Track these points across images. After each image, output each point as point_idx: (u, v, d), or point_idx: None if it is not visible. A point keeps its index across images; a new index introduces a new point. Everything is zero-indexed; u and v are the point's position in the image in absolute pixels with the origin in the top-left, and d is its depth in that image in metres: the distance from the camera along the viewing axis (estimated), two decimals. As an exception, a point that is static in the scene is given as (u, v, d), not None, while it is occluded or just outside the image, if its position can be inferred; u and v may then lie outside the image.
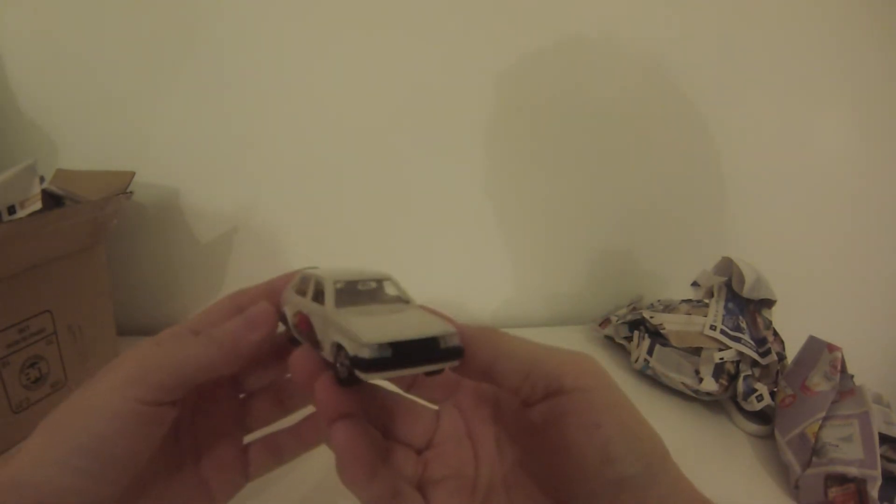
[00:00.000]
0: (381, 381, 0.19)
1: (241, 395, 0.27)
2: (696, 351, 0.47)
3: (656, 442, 0.19)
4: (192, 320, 0.24)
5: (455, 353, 0.19)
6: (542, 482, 0.22)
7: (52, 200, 0.43)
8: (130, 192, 0.46)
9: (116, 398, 0.20)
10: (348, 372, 0.18)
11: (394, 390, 0.26)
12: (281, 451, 0.26)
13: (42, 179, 0.42)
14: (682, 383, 0.47)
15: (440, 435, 0.25)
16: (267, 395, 0.27)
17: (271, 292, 0.25)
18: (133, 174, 0.47)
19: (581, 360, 0.20)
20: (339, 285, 0.21)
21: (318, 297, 0.21)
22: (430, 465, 0.24)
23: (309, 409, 0.27)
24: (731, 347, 0.46)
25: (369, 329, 0.17)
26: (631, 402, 0.20)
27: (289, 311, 0.24)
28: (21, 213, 0.39)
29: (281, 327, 0.24)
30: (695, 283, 0.53)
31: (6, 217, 0.38)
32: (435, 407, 0.26)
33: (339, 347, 0.18)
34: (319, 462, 0.26)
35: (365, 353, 0.17)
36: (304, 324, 0.21)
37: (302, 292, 0.23)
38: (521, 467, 0.23)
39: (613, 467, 0.18)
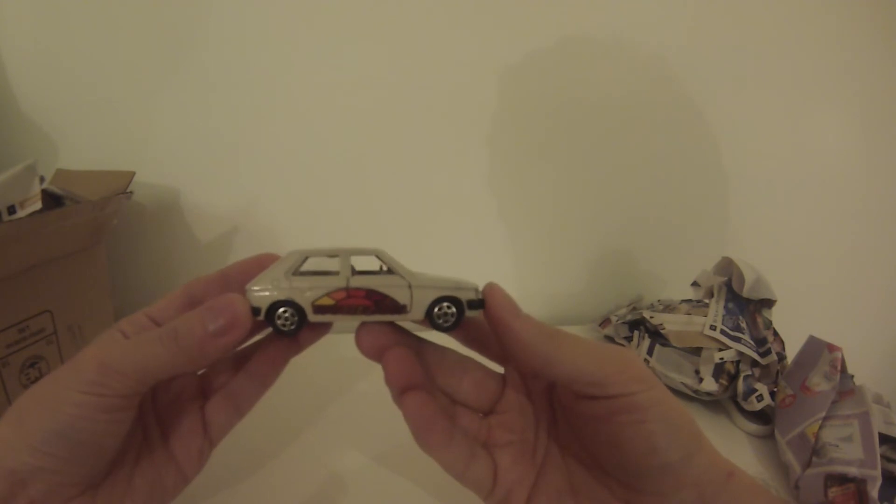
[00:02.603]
0: (452, 344, 0.24)
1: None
2: (696, 351, 0.47)
3: (693, 427, 0.21)
4: (153, 310, 0.24)
5: (479, 304, 0.23)
6: (589, 456, 0.24)
7: (52, 200, 0.43)
8: (130, 192, 0.46)
9: (73, 389, 0.20)
10: (456, 318, 0.22)
11: (463, 354, 0.26)
12: (238, 400, 0.26)
13: (42, 179, 0.42)
14: (683, 383, 0.47)
15: (505, 401, 0.26)
16: (225, 361, 0.27)
17: (226, 282, 0.25)
18: (133, 174, 0.47)
19: (625, 364, 0.21)
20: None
21: (383, 270, 0.23)
22: (494, 430, 0.25)
23: (254, 349, 0.27)
24: (731, 347, 0.46)
25: (457, 280, 0.22)
26: (670, 394, 0.22)
27: (308, 295, 0.22)
28: (21, 213, 0.39)
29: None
30: (695, 283, 0.53)
31: (6, 217, 0.38)
32: (501, 370, 0.27)
33: (443, 300, 0.22)
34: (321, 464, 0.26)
35: (477, 296, 0.22)
36: (360, 297, 0.22)
37: (318, 273, 0.23)
38: (571, 437, 0.24)
39: (657, 456, 0.20)
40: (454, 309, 0.22)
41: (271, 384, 0.26)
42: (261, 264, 0.24)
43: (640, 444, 0.21)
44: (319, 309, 0.22)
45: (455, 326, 0.23)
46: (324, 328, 0.25)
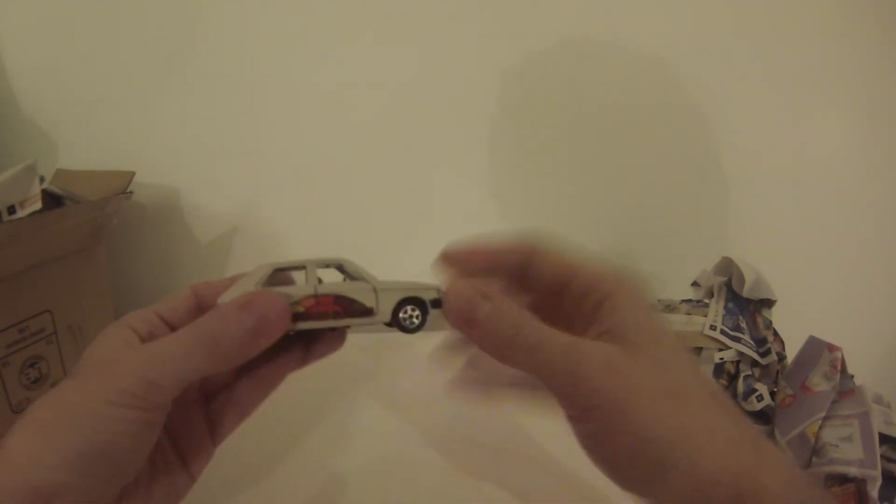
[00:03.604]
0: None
1: None
2: (697, 351, 0.47)
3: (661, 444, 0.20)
4: (161, 309, 0.24)
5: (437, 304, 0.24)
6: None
7: (52, 200, 0.43)
8: (130, 192, 0.46)
9: (112, 403, 0.19)
10: (421, 319, 0.23)
11: None
12: (241, 402, 0.25)
13: (42, 179, 0.42)
14: (682, 383, 0.47)
15: None
16: None
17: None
18: (133, 174, 0.47)
19: (577, 378, 0.20)
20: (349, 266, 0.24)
21: (348, 276, 0.24)
22: None
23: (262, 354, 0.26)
24: (731, 347, 0.46)
25: (422, 283, 0.24)
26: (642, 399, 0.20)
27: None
28: (21, 213, 0.39)
29: None
30: (695, 283, 0.53)
31: (6, 217, 0.38)
32: None
33: (407, 301, 0.23)
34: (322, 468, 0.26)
35: (439, 295, 0.23)
36: (329, 304, 0.22)
37: (284, 283, 0.24)
38: None
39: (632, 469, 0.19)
40: (418, 311, 0.23)
41: (274, 389, 0.26)
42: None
43: (610, 456, 0.20)
44: (292, 317, 0.22)
45: (421, 327, 0.24)
46: (335, 343, 0.25)
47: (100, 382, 0.19)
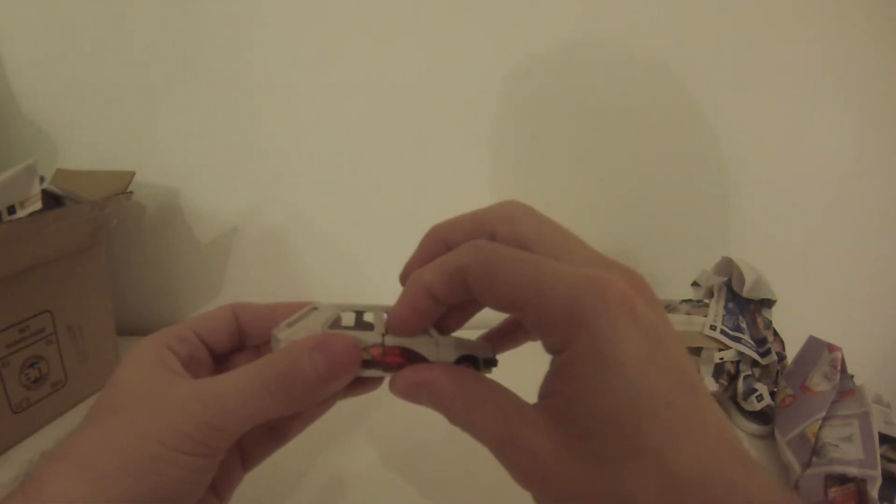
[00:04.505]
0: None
1: None
2: (696, 351, 0.47)
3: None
4: (198, 327, 0.22)
5: (493, 362, 0.25)
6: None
7: (52, 200, 0.43)
8: (130, 192, 0.46)
9: (170, 448, 0.17)
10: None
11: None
12: (279, 433, 0.24)
13: (42, 179, 0.42)
14: (682, 383, 0.47)
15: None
16: None
17: (276, 319, 0.23)
18: (133, 174, 0.47)
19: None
20: None
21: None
22: None
23: None
24: (731, 347, 0.46)
25: (478, 343, 0.24)
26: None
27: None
28: (21, 213, 0.39)
29: None
30: (695, 283, 0.53)
31: (6, 217, 0.38)
32: None
33: (464, 359, 0.23)
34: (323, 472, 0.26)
35: (494, 354, 0.24)
36: (396, 354, 0.22)
37: (338, 325, 0.22)
38: None
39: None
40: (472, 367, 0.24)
41: (314, 421, 0.25)
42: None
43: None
44: (372, 359, 0.22)
45: None
46: (377, 383, 0.24)
47: (154, 421, 0.18)
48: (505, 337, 0.25)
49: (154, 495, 0.17)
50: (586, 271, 0.16)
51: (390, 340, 0.22)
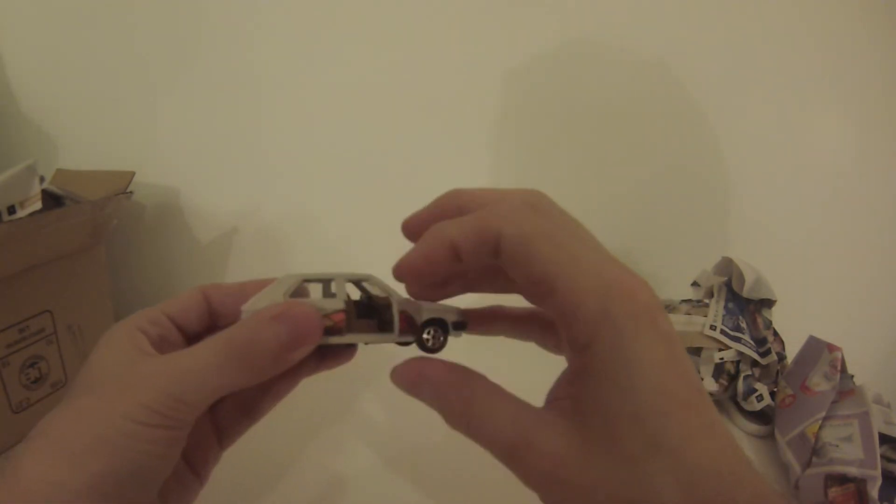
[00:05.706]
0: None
1: None
2: (696, 351, 0.47)
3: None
4: (170, 310, 0.22)
5: (462, 325, 0.25)
6: None
7: (52, 200, 0.43)
8: (130, 192, 0.46)
9: (138, 422, 0.18)
10: (443, 338, 0.24)
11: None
12: (250, 409, 0.24)
13: (42, 179, 0.42)
14: (682, 383, 0.47)
15: None
16: None
17: (245, 297, 0.22)
18: (133, 174, 0.47)
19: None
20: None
21: (371, 292, 0.24)
22: None
23: None
24: (731, 347, 0.46)
25: (445, 306, 0.24)
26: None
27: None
28: (21, 213, 0.39)
29: None
30: (695, 283, 0.53)
31: (6, 217, 0.38)
32: None
33: (431, 322, 0.23)
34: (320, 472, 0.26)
35: (461, 317, 0.24)
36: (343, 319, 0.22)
37: (301, 295, 0.23)
38: None
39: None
40: (441, 332, 0.24)
41: (284, 397, 0.25)
42: None
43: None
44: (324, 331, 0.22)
45: (441, 348, 0.24)
46: (348, 354, 0.25)
47: (122, 398, 0.18)
48: (482, 319, 0.25)
49: (126, 471, 0.17)
50: (618, 273, 0.17)
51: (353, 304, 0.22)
